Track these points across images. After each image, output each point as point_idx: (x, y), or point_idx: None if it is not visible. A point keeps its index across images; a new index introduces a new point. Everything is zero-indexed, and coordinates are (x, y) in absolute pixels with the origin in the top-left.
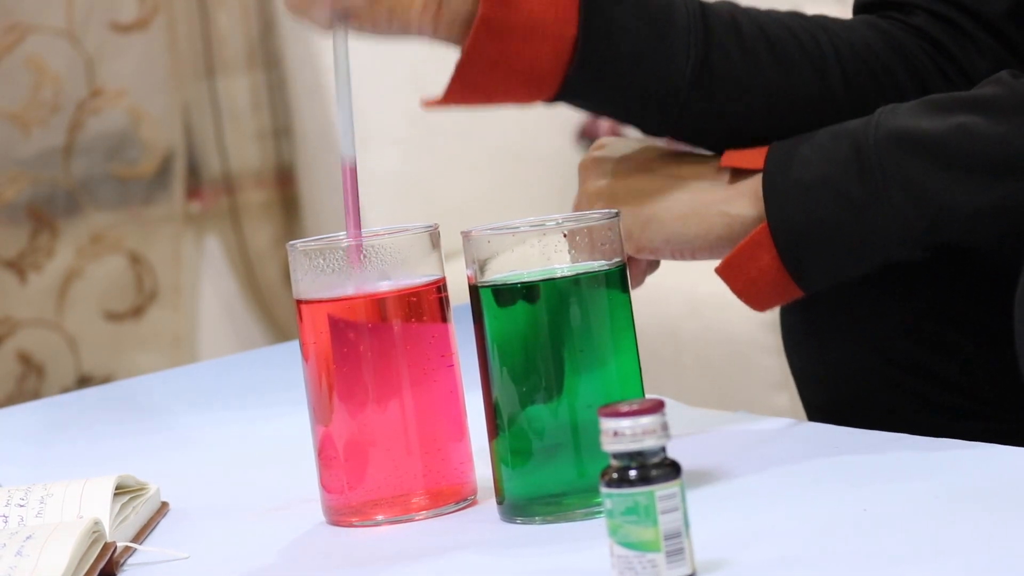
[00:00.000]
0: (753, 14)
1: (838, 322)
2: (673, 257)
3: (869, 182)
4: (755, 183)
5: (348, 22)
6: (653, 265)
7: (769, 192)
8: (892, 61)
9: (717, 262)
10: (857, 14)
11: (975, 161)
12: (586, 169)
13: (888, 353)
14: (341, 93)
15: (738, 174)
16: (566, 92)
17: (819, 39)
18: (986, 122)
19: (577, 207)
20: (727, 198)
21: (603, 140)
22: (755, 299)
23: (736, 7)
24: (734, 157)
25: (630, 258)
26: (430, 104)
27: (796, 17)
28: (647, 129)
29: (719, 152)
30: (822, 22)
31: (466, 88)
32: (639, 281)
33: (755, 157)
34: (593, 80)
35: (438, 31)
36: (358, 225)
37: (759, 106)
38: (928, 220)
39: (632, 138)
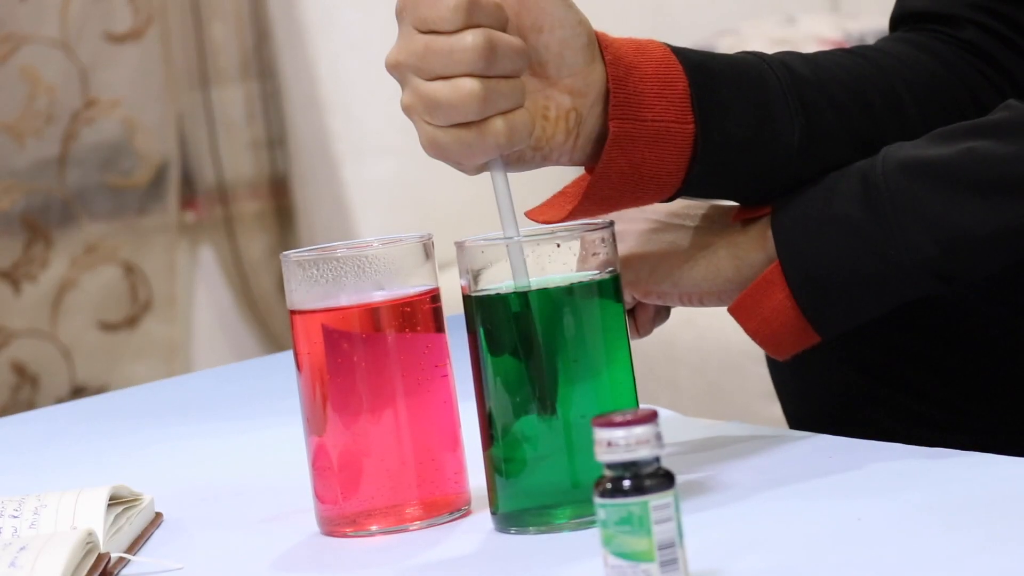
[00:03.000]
0: (821, 62)
1: None
2: (681, 302)
3: (878, 211)
4: (764, 226)
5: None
6: (661, 313)
7: (778, 230)
8: (956, 90)
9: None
10: (896, 26)
11: (985, 182)
12: None
13: (867, 366)
14: (507, 226)
15: (747, 218)
16: (687, 187)
17: (891, 79)
18: (994, 144)
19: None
20: (736, 241)
21: None
22: (771, 340)
23: (801, 58)
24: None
25: (638, 304)
26: (543, 219)
27: (855, 57)
28: (752, 201)
29: None
30: (882, 61)
31: (597, 200)
32: (647, 330)
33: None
34: (713, 170)
35: (574, 156)
36: None
37: (851, 155)
38: (941, 247)
39: None
